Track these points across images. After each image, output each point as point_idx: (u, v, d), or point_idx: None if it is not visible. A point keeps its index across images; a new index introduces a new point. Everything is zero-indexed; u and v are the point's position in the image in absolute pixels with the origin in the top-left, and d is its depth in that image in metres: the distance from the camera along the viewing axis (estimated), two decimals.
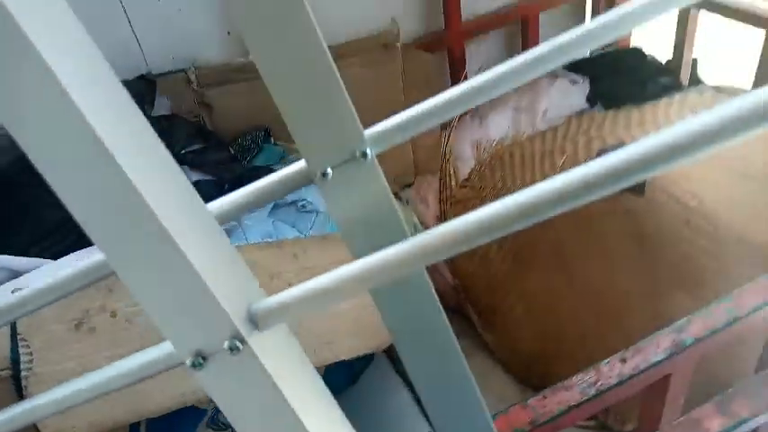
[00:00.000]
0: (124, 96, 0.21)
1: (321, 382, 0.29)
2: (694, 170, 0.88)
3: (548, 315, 0.94)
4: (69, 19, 0.19)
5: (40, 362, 0.71)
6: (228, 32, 1.15)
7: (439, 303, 0.36)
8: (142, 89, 1.02)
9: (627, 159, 0.17)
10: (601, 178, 0.18)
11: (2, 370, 0.71)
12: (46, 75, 0.17)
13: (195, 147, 1.05)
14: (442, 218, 1.20)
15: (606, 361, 0.58)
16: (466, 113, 1.42)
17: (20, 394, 0.70)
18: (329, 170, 0.34)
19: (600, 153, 0.88)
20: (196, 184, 1.04)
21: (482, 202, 1.16)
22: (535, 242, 0.99)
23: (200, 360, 0.23)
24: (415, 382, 0.38)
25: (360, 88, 1.17)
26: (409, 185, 1.34)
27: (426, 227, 1.29)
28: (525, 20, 1.37)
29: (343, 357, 0.80)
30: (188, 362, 0.23)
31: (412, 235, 0.25)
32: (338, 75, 0.31)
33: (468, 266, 1.12)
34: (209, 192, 1.03)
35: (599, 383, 0.57)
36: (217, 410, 0.82)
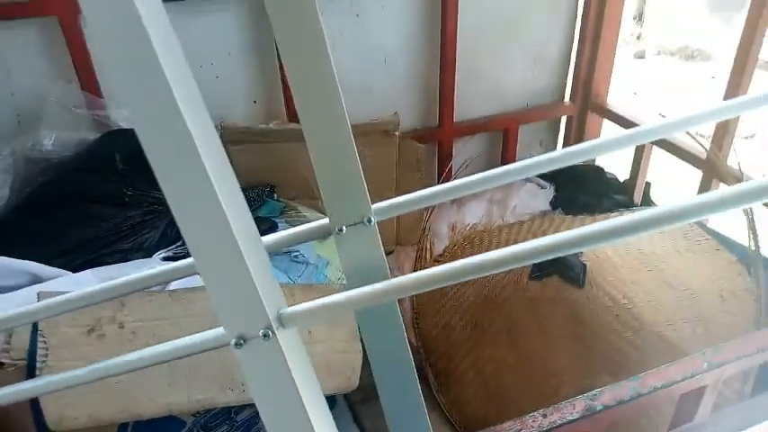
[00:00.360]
0: (216, 137, 0.33)
1: (317, 383, 0.41)
2: (629, 275, 1.05)
3: (495, 383, 1.07)
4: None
5: (53, 357, 0.81)
6: (255, 101, 1.33)
7: (403, 328, 0.51)
8: None
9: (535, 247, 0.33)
10: (521, 254, 0.33)
11: (20, 359, 0.81)
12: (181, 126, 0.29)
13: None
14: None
15: (531, 414, 0.71)
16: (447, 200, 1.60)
17: None
18: (344, 228, 0.49)
19: None
20: (169, 225, 1.17)
21: None
22: (492, 317, 1.13)
23: (242, 341, 0.36)
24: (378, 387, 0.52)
25: (361, 165, 1.35)
26: (390, 253, 1.49)
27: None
28: (507, 129, 1.58)
29: None
30: (233, 342, 0.36)
31: None
32: (358, 158, 0.46)
33: (431, 331, 1.25)
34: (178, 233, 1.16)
35: None
36: (195, 423, 0.91)
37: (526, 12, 1.46)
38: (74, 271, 0.97)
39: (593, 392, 0.74)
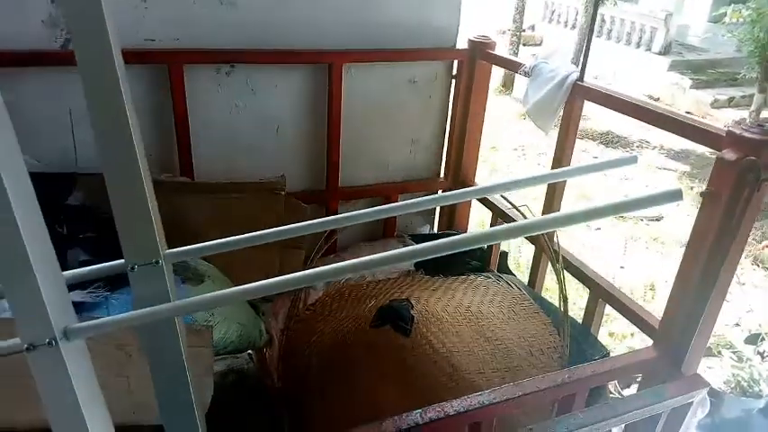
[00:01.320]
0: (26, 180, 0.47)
1: (100, 394, 0.52)
2: (451, 328, 1.23)
3: (340, 416, 1.20)
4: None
5: None
6: (150, 155, 1.47)
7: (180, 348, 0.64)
8: (68, 183, 1.29)
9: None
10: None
11: None
12: None
13: (89, 233, 1.31)
14: (285, 332, 1.47)
15: None
16: (329, 253, 1.76)
17: None
18: (136, 266, 0.62)
19: (382, 308, 1.22)
20: (84, 263, 1.28)
21: (319, 324, 1.46)
22: (340, 358, 1.28)
23: (32, 347, 0.48)
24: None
25: (247, 218, 1.50)
26: (270, 300, 1.62)
27: (271, 336, 1.56)
28: (388, 196, 1.79)
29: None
30: (24, 347, 0.48)
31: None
32: (152, 208, 0.61)
33: (292, 373, 1.38)
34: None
35: None
36: None
37: (404, 102, 1.70)
38: None
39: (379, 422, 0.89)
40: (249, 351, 1.63)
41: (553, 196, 1.46)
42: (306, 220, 1.65)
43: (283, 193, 1.60)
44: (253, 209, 1.57)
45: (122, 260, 0.61)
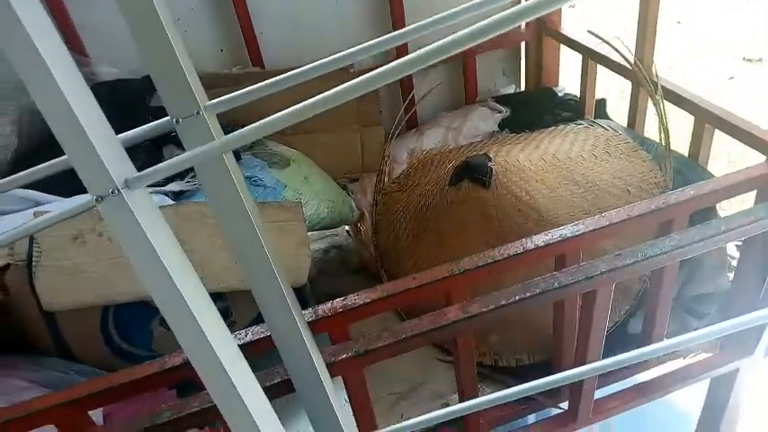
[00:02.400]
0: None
1: (172, 236, 0.57)
2: (535, 176, 1.17)
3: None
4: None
5: (45, 258, 1.03)
6: (221, 50, 1.50)
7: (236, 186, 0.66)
8: (147, 85, 1.36)
9: None
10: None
11: (20, 260, 1.04)
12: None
13: None
14: (375, 205, 1.50)
15: None
16: (410, 128, 1.74)
17: (30, 278, 1.02)
18: (180, 120, 0.64)
19: (458, 165, 1.18)
20: None
21: (404, 194, 1.47)
22: (425, 224, 1.28)
23: (100, 198, 0.53)
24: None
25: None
26: (355, 180, 1.65)
27: (362, 212, 1.60)
28: (464, 59, 1.68)
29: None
30: (94, 199, 0.53)
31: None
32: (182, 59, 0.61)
33: (384, 242, 1.42)
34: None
35: None
36: None
37: None
38: (67, 196, 1.19)
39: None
40: (347, 229, 1.70)
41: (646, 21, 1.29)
42: (379, 95, 1.62)
43: (353, 70, 1.57)
44: (325, 88, 1.56)
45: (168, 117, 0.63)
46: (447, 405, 1.11)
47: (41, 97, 0.44)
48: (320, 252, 1.65)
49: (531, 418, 1.15)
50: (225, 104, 0.69)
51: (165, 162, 0.56)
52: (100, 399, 0.79)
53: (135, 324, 1.10)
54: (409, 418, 1.11)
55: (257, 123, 0.54)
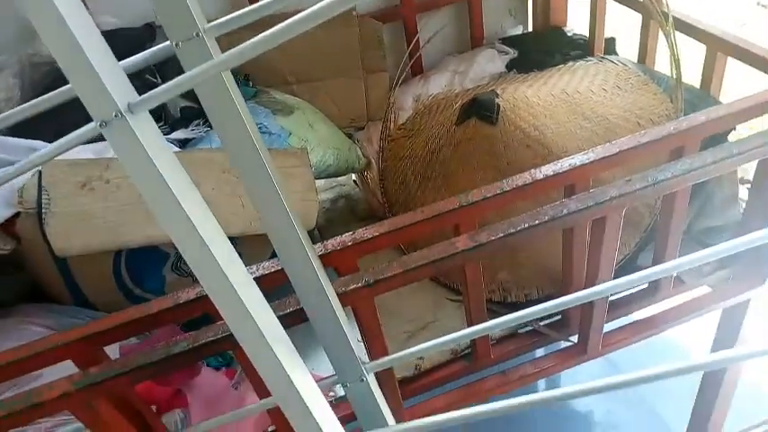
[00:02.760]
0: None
1: (175, 161, 0.57)
2: (543, 111, 1.15)
3: None
4: None
5: (54, 205, 1.04)
6: None
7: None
8: (147, 34, 1.34)
9: None
10: None
11: (31, 208, 1.04)
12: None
13: None
14: (381, 152, 1.49)
15: None
16: (415, 75, 1.71)
17: (41, 226, 1.03)
18: (180, 43, 0.63)
19: (464, 103, 1.16)
20: (183, 109, 1.36)
21: (410, 140, 1.45)
22: (433, 167, 1.27)
23: (104, 123, 0.52)
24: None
25: (320, 46, 1.48)
26: (361, 129, 1.63)
27: (369, 159, 1.59)
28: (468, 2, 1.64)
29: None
30: (98, 126, 0.53)
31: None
32: None
33: (392, 189, 1.41)
34: (191, 115, 1.35)
35: None
36: (178, 256, 1.14)
37: None
38: None
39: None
40: (354, 178, 1.69)
41: None
42: (383, 40, 1.58)
43: (355, 12, 1.53)
44: (328, 36, 1.54)
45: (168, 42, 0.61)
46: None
47: (43, 23, 0.43)
48: (328, 202, 1.65)
49: (541, 353, 1.17)
50: (224, 26, 0.67)
51: (165, 84, 0.55)
52: (115, 334, 0.80)
53: (147, 269, 1.12)
54: (420, 356, 1.13)
55: (256, 38, 0.52)
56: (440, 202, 0.88)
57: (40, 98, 0.58)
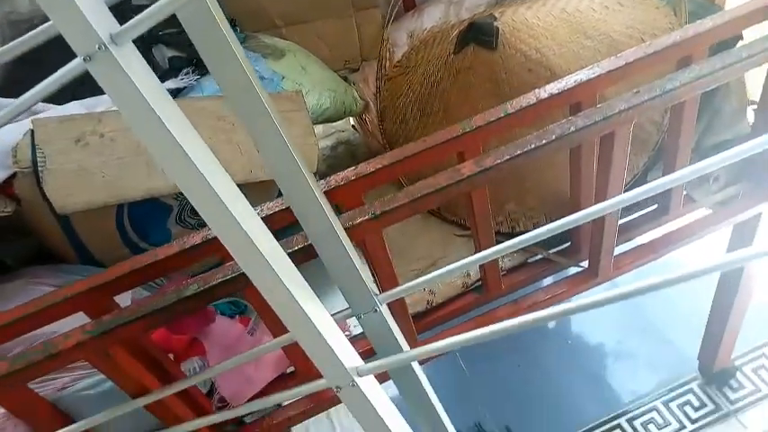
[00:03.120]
0: None
1: (162, 89, 0.53)
2: (544, 32, 1.10)
3: None
4: None
5: (50, 162, 1.01)
6: None
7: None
8: None
9: None
10: None
11: (27, 167, 1.02)
12: None
13: (172, 30, 1.33)
14: (378, 93, 1.45)
15: None
16: (408, 9, 1.65)
17: (39, 184, 1.01)
18: None
19: (461, 30, 1.12)
20: (171, 60, 1.32)
21: (407, 77, 1.41)
22: (432, 101, 1.24)
23: (89, 58, 0.49)
24: None
25: None
26: (356, 70, 1.59)
27: (366, 101, 1.55)
28: None
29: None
30: (83, 59, 0.50)
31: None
32: None
33: (392, 129, 1.38)
34: (180, 65, 1.31)
35: None
36: (181, 208, 1.12)
37: None
38: (59, 104, 1.16)
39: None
40: (352, 123, 1.66)
41: None
42: None
43: None
44: None
45: None
46: (468, 275, 1.12)
47: None
48: (328, 149, 1.63)
49: (551, 282, 1.17)
50: None
51: (147, 9, 0.52)
52: (124, 282, 0.80)
53: (151, 223, 1.11)
54: (432, 290, 1.13)
55: None
56: (443, 130, 0.86)
57: (20, 39, 0.55)
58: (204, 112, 1.13)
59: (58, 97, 1.21)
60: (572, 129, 0.79)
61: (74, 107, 1.15)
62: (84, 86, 1.26)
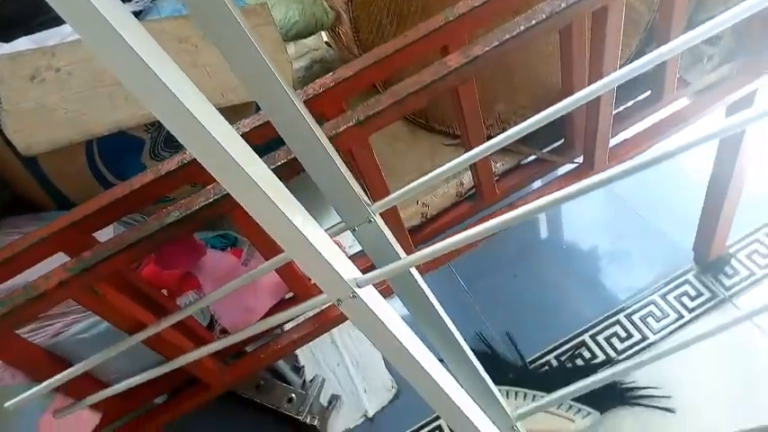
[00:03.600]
0: None
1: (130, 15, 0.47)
2: None
3: None
4: None
5: (6, 103, 0.94)
6: None
7: None
8: None
9: None
10: None
11: None
12: None
13: None
14: (349, 3, 1.35)
15: None
16: None
17: None
18: None
19: None
20: None
21: None
22: (409, 2, 1.16)
23: None
24: None
25: None
26: None
27: (337, 12, 1.46)
28: None
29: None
30: None
31: None
32: None
33: (368, 38, 1.30)
34: None
35: None
36: (154, 141, 1.06)
37: None
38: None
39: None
40: (326, 40, 1.57)
41: None
42: None
43: None
44: None
45: None
46: (461, 183, 1.09)
47: None
48: (302, 70, 1.54)
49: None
50: None
51: None
52: (102, 216, 0.75)
53: (123, 158, 1.05)
54: (426, 203, 1.09)
55: None
56: (423, 23, 0.80)
57: None
58: (165, 35, 1.04)
59: (4, 34, 1.11)
60: (563, 5, 0.73)
61: (24, 42, 1.06)
62: (32, 20, 1.17)
